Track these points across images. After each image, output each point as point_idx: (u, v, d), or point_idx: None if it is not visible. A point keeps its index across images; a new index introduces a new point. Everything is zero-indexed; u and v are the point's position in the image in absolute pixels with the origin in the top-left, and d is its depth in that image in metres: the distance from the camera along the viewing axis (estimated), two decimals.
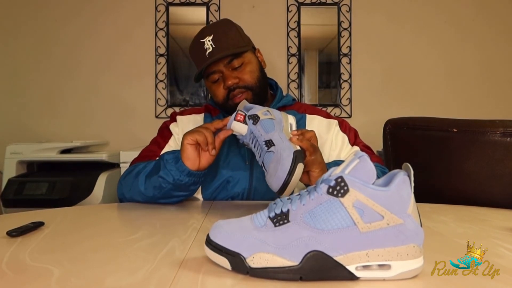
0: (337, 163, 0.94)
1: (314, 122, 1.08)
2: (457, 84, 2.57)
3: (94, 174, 2.06)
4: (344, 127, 1.09)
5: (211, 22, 2.54)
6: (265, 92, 1.07)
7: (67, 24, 2.55)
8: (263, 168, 0.77)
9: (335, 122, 1.09)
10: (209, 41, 0.99)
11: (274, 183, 0.71)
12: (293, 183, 0.70)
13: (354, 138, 1.08)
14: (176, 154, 0.89)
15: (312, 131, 0.84)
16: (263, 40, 2.21)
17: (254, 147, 0.80)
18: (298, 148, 0.75)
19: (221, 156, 1.02)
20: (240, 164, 1.01)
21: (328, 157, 1.04)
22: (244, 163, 1.01)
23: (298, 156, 0.71)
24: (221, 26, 1.04)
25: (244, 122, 0.81)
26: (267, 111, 0.83)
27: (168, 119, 1.14)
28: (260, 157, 0.78)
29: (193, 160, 0.86)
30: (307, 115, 1.10)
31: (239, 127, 0.82)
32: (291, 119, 0.87)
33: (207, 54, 0.98)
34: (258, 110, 0.83)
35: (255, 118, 0.80)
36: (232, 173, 1.00)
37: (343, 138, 1.07)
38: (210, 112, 1.12)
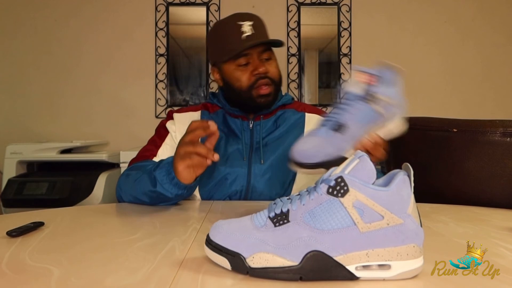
0: None
1: (312, 121, 1.09)
2: (457, 84, 2.57)
3: (94, 174, 2.06)
4: None
5: (211, 22, 2.54)
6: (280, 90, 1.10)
7: (67, 24, 2.55)
8: (339, 122, 0.62)
9: None
10: (248, 25, 0.99)
11: (332, 148, 0.60)
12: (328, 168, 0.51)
13: None
14: (169, 170, 0.83)
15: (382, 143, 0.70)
16: None
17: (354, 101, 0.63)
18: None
19: (218, 152, 1.02)
20: (238, 160, 1.01)
21: None
22: (242, 159, 1.01)
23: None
24: (257, 17, 1.05)
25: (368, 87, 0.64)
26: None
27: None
28: (355, 109, 0.62)
29: (189, 178, 0.83)
30: (306, 114, 1.11)
31: (357, 84, 0.66)
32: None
33: (244, 36, 0.98)
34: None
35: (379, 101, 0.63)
36: (230, 169, 1.00)
37: None
38: (207, 109, 1.12)
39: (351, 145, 0.64)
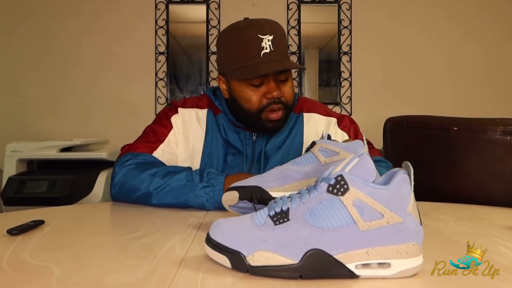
0: None
1: (311, 121, 1.06)
2: (457, 82, 2.57)
3: (94, 173, 2.05)
4: (344, 125, 1.07)
5: (211, 20, 2.54)
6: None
7: (66, 22, 2.54)
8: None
9: (334, 120, 1.07)
10: (268, 40, 0.90)
11: None
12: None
13: (354, 135, 1.07)
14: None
15: None
16: None
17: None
18: None
19: (219, 164, 1.00)
20: (239, 172, 1.00)
21: None
22: (242, 172, 1.00)
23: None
24: (279, 28, 0.96)
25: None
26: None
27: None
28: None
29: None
30: (304, 114, 1.07)
31: None
32: None
33: (262, 54, 0.90)
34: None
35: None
36: None
37: (342, 136, 1.06)
38: (212, 108, 1.06)
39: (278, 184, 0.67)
